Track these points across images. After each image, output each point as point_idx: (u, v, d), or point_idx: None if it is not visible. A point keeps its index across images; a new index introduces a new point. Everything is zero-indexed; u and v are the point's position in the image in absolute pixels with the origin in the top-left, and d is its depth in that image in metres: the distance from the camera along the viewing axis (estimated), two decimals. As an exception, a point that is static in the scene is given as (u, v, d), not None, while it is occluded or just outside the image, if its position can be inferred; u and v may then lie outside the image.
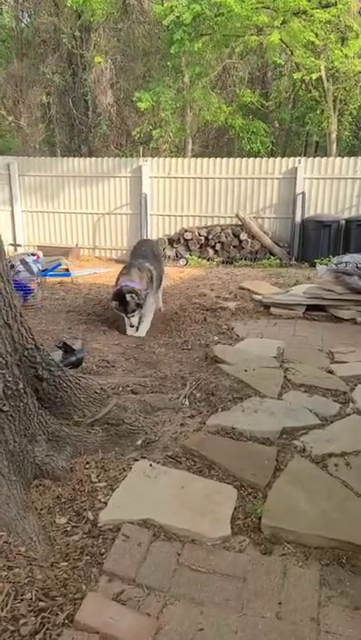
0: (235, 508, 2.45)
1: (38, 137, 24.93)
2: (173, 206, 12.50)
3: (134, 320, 5.26)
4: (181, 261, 11.54)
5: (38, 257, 7.42)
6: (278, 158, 12.20)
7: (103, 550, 2.18)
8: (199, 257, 11.79)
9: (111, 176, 12.59)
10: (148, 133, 19.56)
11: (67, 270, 7.84)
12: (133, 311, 5.23)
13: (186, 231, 12.03)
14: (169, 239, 12.21)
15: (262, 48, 16.71)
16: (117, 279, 5.46)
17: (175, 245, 12.10)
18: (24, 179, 13.07)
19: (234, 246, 11.80)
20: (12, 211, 13.23)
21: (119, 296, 5.21)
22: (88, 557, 2.14)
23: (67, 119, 23.62)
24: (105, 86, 20.41)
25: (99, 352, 4.62)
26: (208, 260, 11.70)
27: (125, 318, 5.27)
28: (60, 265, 7.71)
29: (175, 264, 11.42)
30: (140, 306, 5.23)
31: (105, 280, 8.36)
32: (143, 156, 13.76)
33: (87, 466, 2.69)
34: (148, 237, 12.31)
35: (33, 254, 6.86)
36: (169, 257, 11.80)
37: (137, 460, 2.77)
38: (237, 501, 2.50)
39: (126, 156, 14.99)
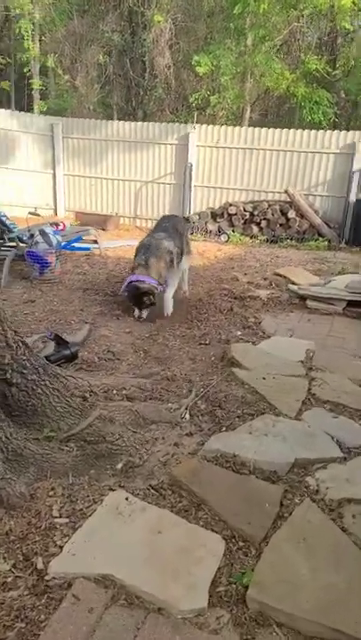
0: (218, 568, 1.98)
1: (93, 98, 24.44)
2: (219, 178, 11.84)
3: (144, 313, 4.83)
4: (223, 237, 10.93)
5: (64, 227, 7.02)
6: (336, 131, 11.26)
7: (44, 616, 1.76)
8: (242, 234, 11.15)
9: (157, 143, 12.00)
10: (206, 99, 18.77)
11: (95, 242, 7.40)
12: (146, 308, 4.80)
13: (230, 205, 11.38)
14: (212, 213, 11.59)
15: (333, 12, 15.48)
16: (133, 264, 4.95)
17: (218, 220, 11.48)
18: (67, 141, 12.65)
19: (280, 224, 11.09)
20: (54, 174, 12.88)
21: (133, 296, 4.79)
22: (22, 625, 1.73)
23: (123, 81, 23.05)
24: (163, 47, 19.68)
25: (106, 340, 4.18)
26: (251, 237, 11.05)
27: (135, 309, 4.83)
28: (80, 238, 7.26)
29: (216, 240, 10.83)
30: (153, 304, 4.81)
31: (136, 254, 7.89)
32: (198, 122, 13.02)
33: (51, 493, 2.27)
34: (191, 210, 11.76)
35: (56, 224, 6.45)
36: (210, 232, 11.22)
37: (112, 490, 2.33)
38: (223, 559, 2.03)
39: (180, 122, 14.29)
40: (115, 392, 3.14)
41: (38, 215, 5.84)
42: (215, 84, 18.57)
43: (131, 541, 2.07)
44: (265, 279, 6.42)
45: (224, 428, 2.89)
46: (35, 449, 2.35)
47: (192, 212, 11.76)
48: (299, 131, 11.36)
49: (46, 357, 3.19)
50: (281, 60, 17.93)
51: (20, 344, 2.58)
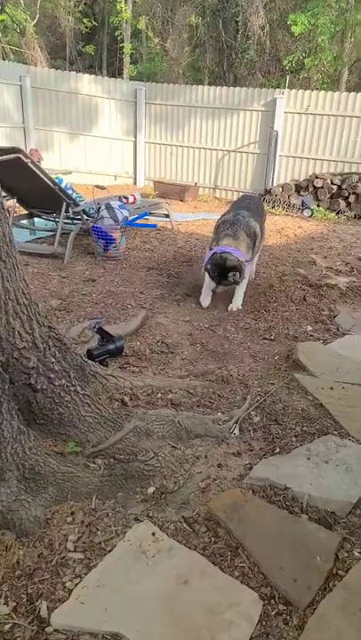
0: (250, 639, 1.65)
1: (184, 61, 23.86)
2: (307, 148, 11.04)
3: (220, 289, 4.38)
4: (306, 212, 10.23)
5: (135, 199, 6.72)
6: None
7: None
8: (328, 208, 10.38)
9: (241, 109, 11.34)
10: (300, 61, 17.73)
11: (166, 215, 7.05)
12: (228, 285, 4.34)
13: (317, 177, 10.59)
14: (296, 185, 10.86)
15: None
16: (218, 236, 4.47)
17: (302, 193, 10.75)
18: (150, 107, 12.26)
19: (370, 200, 10.18)
20: (135, 141, 12.58)
21: (220, 268, 4.22)
22: None
23: (215, 43, 22.35)
24: (258, 6, 18.73)
25: (162, 330, 3.87)
26: (337, 213, 10.25)
27: (210, 283, 4.38)
28: (146, 214, 6.92)
29: (298, 214, 10.15)
30: (236, 283, 4.33)
31: (211, 230, 7.45)
32: (291, 86, 12.20)
33: (69, 519, 2.01)
34: (274, 181, 11.10)
35: (125, 197, 6.15)
36: (293, 205, 10.54)
37: (139, 521, 2.04)
38: (258, 626, 1.69)
39: (273, 86, 13.46)
40: (159, 395, 2.84)
41: (104, 188, 5.57)
42: (312, 45, 17.50)
43: (150, 591, 1.78)
44: (347, 264, 5.82)
45: (278, 449, 2.51)
46: (56, 466, 2.09)
47: (275, 184, 11.09)
48: None
49: (89, 352, 2.94)
50: (386, 18, 16.48)
51: (51, 343, 2.32)
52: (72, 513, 2.04)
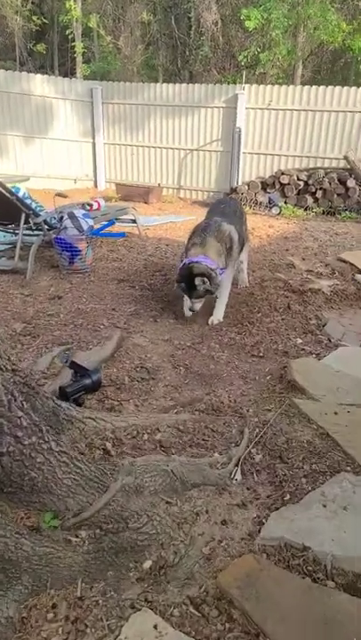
0: None
1: (138, 59, 23.48)
2: (271, 144, 10.83)
3: (198, 305, 4.04)
4: (274, 210, 9.99)
5: (99, 206, 6.31)
6: None
7: None
8: (295, 205, 10.19)
9: (202, 106, 11.05)
10: (255, 56, 17.59)
11: (133, 221, 6.67)
12: (200, 297, 3.99)
13: (283, 174, 10.38)
14: (262, 183, 10.62)
15: None
16: (187, 247, 4.18)
17: (268, 190, 10.51)
18: (108, 107, 11.84)
19: (338, 194, 10.04)
20: (94, 143, 12.14)
21: (187, 277, 3.91)
22: None
23: (168, 40, 22.08)
24: (210, 1, 18.53)
25: (140, 352, 3.51)
26: (306, 209, 10.07)
27: (187, 300, 4.07)
28: (113, 222, 6.52)
29: (266, 212, 9.91)
30: (210, 293, 3.97)
31: (180, 234, 7.12)
32: (247, 82, 11.93)
33: (51, 615, 1.64)
34: (239, 179, 10.83)
35: (89, 204, 5.74)
36: (260, 203, 10.29)
37: (136, 609, 1.68)
38: None
39: (228, 82, 13.20)
40: (146, 437, 2.48)
41: (66, 196, 5.16)
42: (265, 40, 17.36)
43: None
44: (326, 265, 5.56)
45: (288, 495, 2.18)
46: (31, 548, 1.71)
47: (240, 183, 10.84)
48: (361, 88, 10.14)
49: (61, 390, 2.55)
50: (337, 11, 16.48)
51: (17, 393, 1.93)
52: (53, 606, 1.66)
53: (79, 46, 18.94)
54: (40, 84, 11.47)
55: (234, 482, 2.25)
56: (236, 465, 2.33)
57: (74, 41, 19.21)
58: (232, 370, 3.37)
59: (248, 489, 2.23)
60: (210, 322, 4.06)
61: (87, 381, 2.60)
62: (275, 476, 2.30)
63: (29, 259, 4.91)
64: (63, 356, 2.61)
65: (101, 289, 4.70)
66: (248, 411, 2.82)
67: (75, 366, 2.58)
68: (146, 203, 10.69)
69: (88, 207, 5.89)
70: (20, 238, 4.95)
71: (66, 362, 2.57)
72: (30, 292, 4.60)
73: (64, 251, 4.93)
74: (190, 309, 4.04)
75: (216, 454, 2.42)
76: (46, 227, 5.06)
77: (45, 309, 4.17)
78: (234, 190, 10.64)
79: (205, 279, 3.87)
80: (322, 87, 10.27)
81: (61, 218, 5.10)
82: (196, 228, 4.28)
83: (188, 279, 3.90)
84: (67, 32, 19.52)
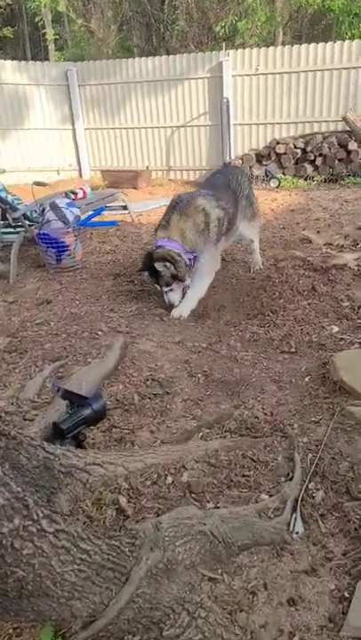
0: None
1: (111, 41, 22.72)
2: (262, 112, 10.13)
3: (173, 296, 3.54)
4: (272, 182, 9.35)
5: (85, 194, 5.69)
6: None
7: None
8: (294, 175, 9.54)
9: (185, 78, 10.33)
10: (233, 26, 16.87)
11: (124, 207, 6.05)
12: (169, 285, 3.49)
13: (278, 143, 9.71)
14: (257, 155, 9.97)
15: None
16: (155, 231, 3.68)
17: (264, 162, 9.86)
18: (85, 89, 11.12)
19: (339, 159, 9.36)
20: (74, 129, 11.43)
21: (147, 265, 3.52)
22: None
23: (141, 18, 21.32)
24: (182, -28, 17.83)
25: (148, 360, 2.93)
26: (306, 179, 9.42)
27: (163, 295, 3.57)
28: (103, 209, 5.90)
29: (265, 186, 9.28)
30: (176, 278, 3.46)
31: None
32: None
33: None
34: (232, 154, 10.15)
35: (73, 192, 5.11)
36: (257, 177, 9.64)
37: None
38: None
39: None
40: (170, 479, 1.91)
41: (45, 184, 4.54)
42: (242, 8, 16.66)
43: None
44: (346, 237, 4.95)
45: (369, 550, 1.62)
46: None
47: (233, 157, 10.16)
48: (357, 41, 9.41)
49: (56, 427, 1.98)
50: (314, -30, 15.80)
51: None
52: None
53: (50, 33, 18.15)
54: (11, 72, 10.75)
55: (294, 536, 1.68)
56: (294, 510, 1.76)
57: (44, 28, 18.39)
58: (261, 372, 2.79)
59: (315, 544, 1.66)
60: (172, 314, 3.51)
61: (87, 412, 2.02)
62: (347, 520, 1.74)
63: (11, 260, 4.32)
64: (54, 384, 2.03)
65: (96, 287, 4.11)
66: (292, 426, 2.25)
67: (69, 395, 2.00)
68: (135, 188, 10.04)
69: (73, 195, 5.27)
70: (-1, 237, 4.36)
71: (57, 391, 2.00)
72: (15, 297, 4.01)
73: (49, 247, 4.34)
74: (169, 303, 3.55)
75: (264, 495, 1.85)
76: (27, 222, 4.46)
77: (33, 317, 3.58)
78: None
79: (167, 264, 3.40)
80: (312, 45, 9.55)
81: (43, 210, 4.50)
82: (167, 208, 3.71)
83: (150, 266, 3.49)
84: (36, 19, 18.70)
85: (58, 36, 20.26)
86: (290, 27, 20.55)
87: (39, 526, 1.35)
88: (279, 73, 9.70)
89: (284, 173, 9.59)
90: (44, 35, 18.81)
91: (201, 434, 2.28)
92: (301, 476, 1.91)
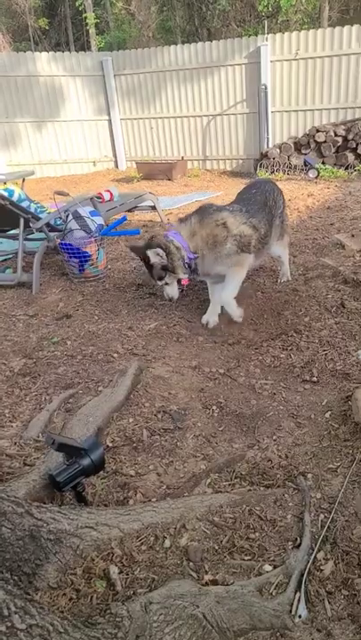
0: None
1: (153, 23, 22.48)
2: (301, 98, 9.75)
3: (170, 290, 3.41)
4: (311, 173, 9.00)
5: (112, 196, 5.58)
6: None
7: None
8: (335, 165, 9.16)
9: (221, 65, 10.03)
10: (276, 4, 16.38)
11: (153, 208, 5.91)
12: (161, 278, 3.35)
13: (318, 131, 9.33)
14: (295, 143, 9.62)
15: None
16: None
17: (303, 151, 9.50)
18: (120, 79, 10.96)
19: (383, 148, 8.93)
20: (110, 120, 11.32)
21: (141, 251, 3.36)
22: None
23: (182, -2, 20.95)
24: None
25: (162, 388, 2.82)
26: (347, 168, 9.03)
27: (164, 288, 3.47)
28: (125, 219, 5.74)
29: (303, 176, 8.95)
30: (167, 269, 3.30)
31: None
32: (271, 32, 10.79)
33: None
34: (270, 142, 9.83)
35: (97, 197, 4.99)
36: (295, 167, 9.32)
37: None
38: None
39: (250, 35, 12.02)
40: (167, 543, 1.79)
41: (66, 194, 4.44)
42: (286, -17, 16.13)
43: None
44: (382, 242, 4.68)
45: (380, 642, 1.47)
46: None
47: (271, 146, 9.84)
48: None
49: (53, 480, 1.90)
50: None
51: None
52: None
53: (91, 17, 17.97)
54: (47, 64, 10.70)
55: (297, 620, 1.55)
56: (298, 587, 1.63)
57: (85, 12, 18.25)
58: (279, 405, 2.64)
59: (319, 631, 1.52)
60: (203, 320, 3.56)
61: (85, 462, 1.93)
62: (356, 602, 1.59)
63: (34, 270, 4.26)
64: (48, 436, 1.94)
65: (116, 300, 4.01)
66: (306, 476, 2.10)
67: (65, 449, 1.91)
68: (170, 179, 9.89)
69: (100, 199, 5.17)
70: (22, 247, 4.31)
71: (52, 443, 1.91)
72: (36, 310, 3.96)
73: (72, 257, 4.25)
74: (168, 298, 3.47)
75: (267, 566, 1.72)
76: (50, 230, 4.38)
77: (51, 335, 3.52)
78: (265, 155, 9.67)
79: (160, 251, 3.24)
80: (355, 26, 9.03)
81: (67, 217, 4.42)
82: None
83: (143, 253, 3.33)
84: (77, 4, 18.56)
85: (99, 20, 20.07)
86: (337, 1, 19.74)
87: (9, 623, 1.27)
88: (320, 57, 9.28)
89: (323, 163, 9.23)
90: (86, 19, 18.68)
91: (209, 480, 2.16)
92: (310, 542, 1.77)
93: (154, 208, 5.91)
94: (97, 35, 19.68)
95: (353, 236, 4.76)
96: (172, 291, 3.42)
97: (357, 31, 8.97)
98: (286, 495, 2.01)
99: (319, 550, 1.75)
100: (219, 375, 2.93)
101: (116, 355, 3.16)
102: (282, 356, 3.07)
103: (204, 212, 3.43)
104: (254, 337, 3.33)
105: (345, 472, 2.10)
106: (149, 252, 3.27)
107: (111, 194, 5.60)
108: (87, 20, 18.08)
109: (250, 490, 2.06)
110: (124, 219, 5.83)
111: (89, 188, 9.13)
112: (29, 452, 2.27)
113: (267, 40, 9.57)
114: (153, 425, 2.53)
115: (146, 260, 3.34)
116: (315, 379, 2.81)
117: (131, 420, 2.57)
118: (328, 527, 1.83)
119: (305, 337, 3.22)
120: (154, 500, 2.04)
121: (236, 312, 3.39)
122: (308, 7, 18.01)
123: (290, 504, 1.97)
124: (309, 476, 2.11)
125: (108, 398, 2.64)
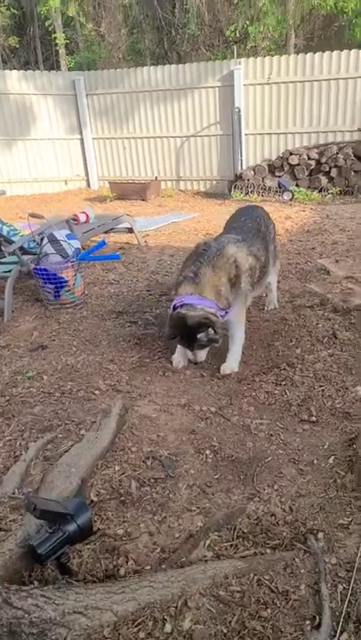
0: None
1: (122, 44, 22.53)
2: (275, 122, 9.78)
3: (202, 355, 3.03)
4: (285, 195, 8.98)
5: (87, 218, 5.37)
6: None
7: None
8: (308, 187, 9.18)
9: (195, 87, 10.02)
10: (244, 30, 16.64)
11: (130, 230, 5.72)
12: (203, 347, 2.99)
13: (291, 154, 9.37)
14: (269, 166, 9.63)
15: None
16: (177, 280, 3.17)
17: (277, 174, 9.51)
18: (93, 98, 10.85)
19: (355, 171, 9.01)
20: (82, 139, 11.16)
21: (179, 328, 2.92)
22: None
23: (152, 21, 21.09)
24: (193, -25, 17.61)
25: (150, 430, 2.59)
26: (320, 191, 9.06)
27: (187, 351, 3.10)
28: (103, 244, 5.55)
29: (277, 198, 8.92)
30: (214, 341, 2.95)
31: (183, 238, 6.18)
32: (239, 57, 10.85)
33: None
34: (243, 164, 9.79)
35: (72, 220, 4.76)
36: (269, 189, 9.31)
37: None
38: None
39: (219, 59, 12.02)
40: (168, 627, 1.55)
41: (41, 217, 4.21)
42: (253, 11, 16.43)
43: None
44: (368, 268, 4.58)
45: None
46: None
47: (245, 167, 9.82)
48: (374, 49, 9.02)
49: (33, 551, 1.64)
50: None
51: None
52: None
53: (60, 37, 17.86)
54: (17, 82, 10.50)
55: None
56: None
57: (55, 32, 18.15)
58: (278, 449, 2.44)
59: None
60: (221, 370, 3.11)
61: (70, 528, 1.68)
62: None
63: (6, 296, 3.99)
64: (27, 498, 1.68)
65: (96, 329, 3.77)
66: (316, 535, 1.89)
67: (47, 515, 1.66)
68: (144, 200, 9.74)
69: (75, 221, 4.94)
70: (-8, 272, 4.04)
71: (34, 510, 1.65)
72: (8, 340, 3.69)
73: (47, 282, 4.01)
74: (193, 362, 3.07)
75: (283, 651, 1.50)
76: (23, 253, 4.13)
77: (25, 368, 3.25)
78: (239, 177, 9.63)
79: (209, 330, 2.88)
80: (326, 53, 9.15)
81: (42, 239, 4.17)
82: (191, 252, 3.24)
83: (183, 331, 2.91)
84: (47, 24, 18.45)
85: (69, 41, 20.01)
86: (302, 29, 20.17)
87: None
88: (292, 82, 9.34)
89: (297, 185, 9.24)
90: (55, 39, 18.57)
91: (209, 540, 1.93)
92: (330, 621, 1.55)
93: (130, 230, 5.71)
94: (67, 55, 19.59)
95: (337, 261, 4.65)
96: (204, 354, 3.06)
97: (328, 57, 9.08)
98: (297, 559, 1.80)
99: (342, 632, 1.54)
100: (210, 414, 2.71)
101: (97, 392, 2.92)
102: (276, 391, 2.88)
103: (208, 254, 3.03)
104: (245, 370, 3.13)
105: (358, 530, 1.90)
106: (201, 336, 2.89)
107: (87, 215, 5.38)
108: (57, 41, 17.98)
109: (256, 554, 1.84)
110: (103, 243, 5.61)
111: (60, 207, 8.90)
112: (5, 514, 1.99)
113: (240, 64, 9.59)
114: (142, 474, 2.29)
115: (187, 336, 2.95)
116: (314, 418, 2.62)
117: (117, 467, 2.32)
118: (349, 601, 1.62)
119: (299, 370, 3.04)
120: (147, 567, 1.81)
121: (236, 362, 3.16)
122: (275, 35, 18.36)
123: (302, 571, 1.76)
124: (320, 535, 1.90)
125: (91, 444, 2.40)
